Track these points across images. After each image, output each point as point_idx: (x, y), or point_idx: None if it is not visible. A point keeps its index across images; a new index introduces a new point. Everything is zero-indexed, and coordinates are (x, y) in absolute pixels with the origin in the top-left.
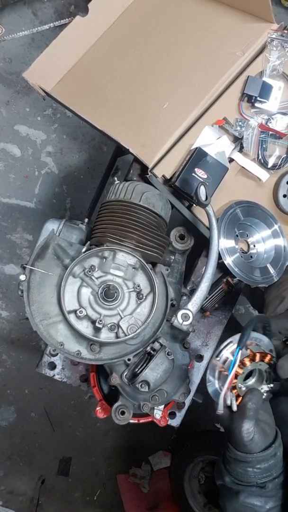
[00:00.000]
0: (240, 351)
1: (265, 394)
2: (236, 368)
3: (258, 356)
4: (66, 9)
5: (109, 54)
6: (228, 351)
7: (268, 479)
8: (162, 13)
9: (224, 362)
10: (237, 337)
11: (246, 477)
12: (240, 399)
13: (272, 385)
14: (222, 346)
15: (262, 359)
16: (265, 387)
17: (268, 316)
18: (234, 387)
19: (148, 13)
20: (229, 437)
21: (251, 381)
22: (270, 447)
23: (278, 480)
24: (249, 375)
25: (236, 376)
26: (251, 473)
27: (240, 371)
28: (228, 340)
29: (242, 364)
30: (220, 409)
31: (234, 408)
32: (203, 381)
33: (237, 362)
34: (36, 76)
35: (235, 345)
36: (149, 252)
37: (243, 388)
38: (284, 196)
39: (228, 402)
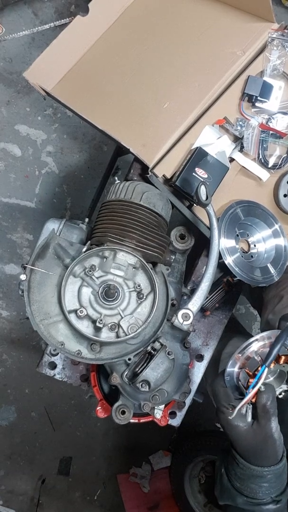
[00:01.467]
0: (266, 370)
1: (283, 393)
2: (258, 385)
3: (282, 359)
4: (66, 8)
5: (109, 53)
6: (253, 348)
7: (280, 491)
8: (163, 13)
9: (247, 359)
10: (264, 334)
11: (260, 493)
12: (254, 397)
13: None
14: (246, 343)
15: (286, 362)
16: (284, 387)
17: None
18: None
19: (149, 13)
20: (246, 449)
21: (269, 379)
22: (283, 457)
23: None
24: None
25: (256, 375)
26: (267, 489)
27: None
28: (254, 338)
29: None
30: (232, 417)
31: (249, 418)
32: (204, 380)
33: (261, 382)
34: (36, 76)
35: (260, 343)
36: (149, 252)
37: (262, 388)
38: (285, 195)
39: (243, 411)
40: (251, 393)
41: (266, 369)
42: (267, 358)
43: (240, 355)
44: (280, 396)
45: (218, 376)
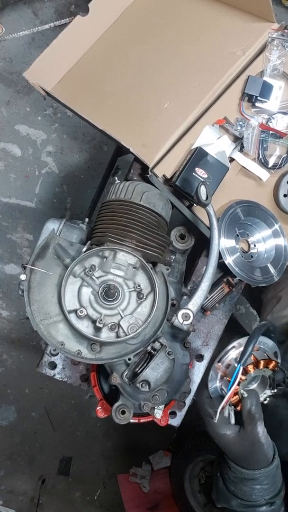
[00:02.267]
0: (241, 368)
1: (267, 399)
2: (235, 384)
3: (262, 364)
4: (66, 8)
5: (109, 53)
6: (231, 356)
7: (274, 493)
8: (163, 12)
9: (227, 367)
10: (241, 341)
11: (254, 496)
12: (240, 405)
13: (275, 390)
14: (224, 351)
15: (266, 366)
16: (268, 392)
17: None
18: (235, 393)
19: (149, 13)
20: (236, 455)
21: (253, 386)
22: (274, 459)
23: (283, 493)
24: (251, 380)
25: (238, 383)
26: (260, 491)
27: (243, 377)
28: (231, 345)
29: (245, 372)
30: (215, 418)
31: (232, 421)
32: (203, 381)
33: (237, 380)
34: (36, 76)
35: (238, 350)
36: (149, 252)
37: (245, 395)
38: (285, 195)
39: (226, 414)
40: (229, 392)
41: (241, 368)
42: (241, 356)
43: (220, 364)
44: (265, 402)
45: (201, 388)
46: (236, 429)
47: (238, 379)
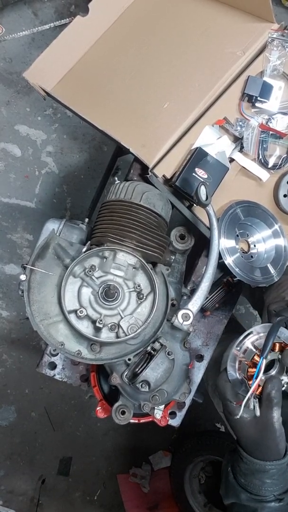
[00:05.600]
0: (264, 361)
1: (285, 385)
2: (260, 377)
3: (277, 346)
4: (66, 9)
5: (109, 54)
6: (249, 341)
7: (283, 490)
8: (163, 13)
9: (244, 351)
10: (257, 328)
11: (263, 490)
12: (260, 388)
13: None
14: (242, 337)
15: (282, 350)
16: (285, 379)
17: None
18: (252, 376)
19: (149, 13)
20: (248, 439)
21: (273, 372)
22: (286, 454)
23: None
24: (269, 366)
25: (255, 366)
26: (270, 485)
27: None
28: (248, 331)
29: None
30: (240, 413)
31: (258, 413)
32: (204, 381)
33: (261, 373)
34: (36, 76)
35: (255, 336)
36: (149, 252)
37: (263, 379)
38: (285, 196)
39: (251, 407)
40: (254, 384)
41: (264, 361)
42: (263, 350)
43: (238, 349)
44: (283, 388)
45: (221, 373)
46: (253, 413)
47: (261, 373)
